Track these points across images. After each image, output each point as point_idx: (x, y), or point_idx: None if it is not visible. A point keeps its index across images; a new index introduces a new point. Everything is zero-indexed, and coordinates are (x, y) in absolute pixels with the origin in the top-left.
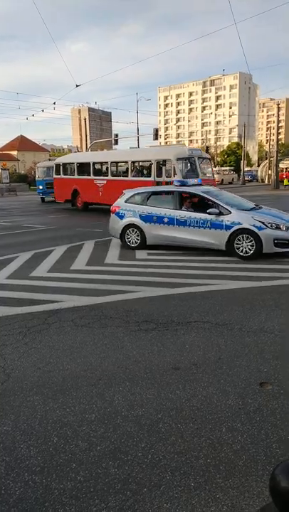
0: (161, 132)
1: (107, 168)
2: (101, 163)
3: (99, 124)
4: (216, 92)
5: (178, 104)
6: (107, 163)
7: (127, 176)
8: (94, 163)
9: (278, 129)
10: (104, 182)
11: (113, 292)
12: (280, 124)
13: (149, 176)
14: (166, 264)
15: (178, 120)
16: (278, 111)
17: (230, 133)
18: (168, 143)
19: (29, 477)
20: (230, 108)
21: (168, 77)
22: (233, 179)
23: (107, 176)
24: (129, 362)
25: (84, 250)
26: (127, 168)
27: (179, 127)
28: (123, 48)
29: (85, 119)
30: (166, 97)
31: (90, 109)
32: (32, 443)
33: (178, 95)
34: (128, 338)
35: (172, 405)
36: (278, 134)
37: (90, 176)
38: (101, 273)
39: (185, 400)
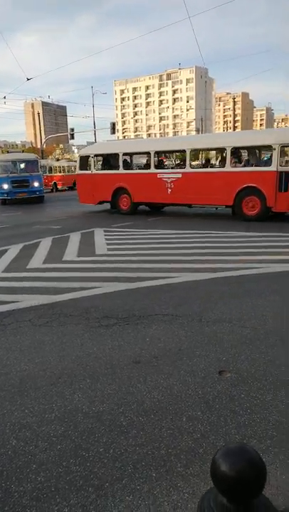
0: (119, 126)
1: (183, 157)
2: (170, 153)
3: (54, 118)
4: (172, 86)
5: (135, 97)
6: (183, 151)
7: (222, 167)
8: (157, 153)
9: (235, 122)
10: (179, 176)
11: (72, 289)
12: (236, 118)
13: (267, 165)
14: (126, 259)
15: (135, 114)
16: (234, 105)
17: (188, 126)
18: (126, 137)
19: None
20: (188, 102)
21: (124, 71)
22: None
23: (184, 167)
24: (90, 358)
25: (41, 248)
26: (219, 157)
27: (136, 121)
28: (77, 41)
29: (38, 113)
30: (122, 91)
31: (44, 103)
32: None
33: (134, 89)
34: (88, 334)
35: (133, 399)
36: (235, 127)
37: (148, 169)
38: (59, 270)
39: (146, 392)
